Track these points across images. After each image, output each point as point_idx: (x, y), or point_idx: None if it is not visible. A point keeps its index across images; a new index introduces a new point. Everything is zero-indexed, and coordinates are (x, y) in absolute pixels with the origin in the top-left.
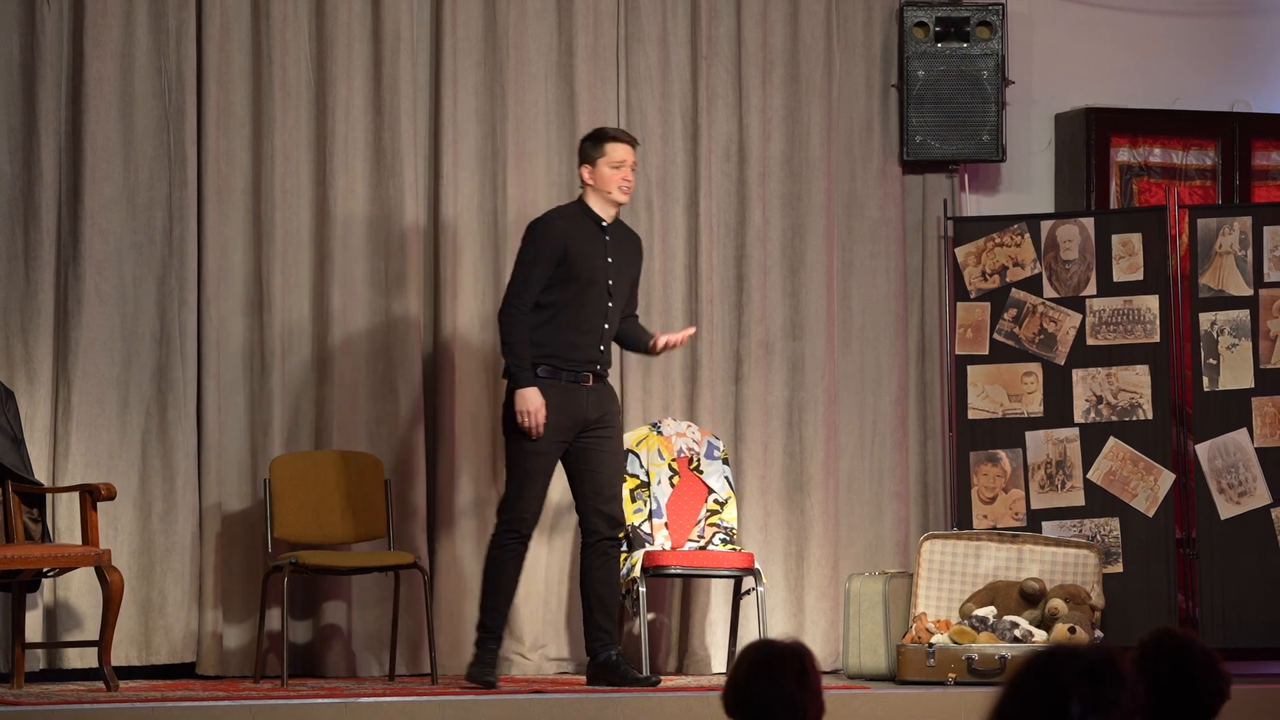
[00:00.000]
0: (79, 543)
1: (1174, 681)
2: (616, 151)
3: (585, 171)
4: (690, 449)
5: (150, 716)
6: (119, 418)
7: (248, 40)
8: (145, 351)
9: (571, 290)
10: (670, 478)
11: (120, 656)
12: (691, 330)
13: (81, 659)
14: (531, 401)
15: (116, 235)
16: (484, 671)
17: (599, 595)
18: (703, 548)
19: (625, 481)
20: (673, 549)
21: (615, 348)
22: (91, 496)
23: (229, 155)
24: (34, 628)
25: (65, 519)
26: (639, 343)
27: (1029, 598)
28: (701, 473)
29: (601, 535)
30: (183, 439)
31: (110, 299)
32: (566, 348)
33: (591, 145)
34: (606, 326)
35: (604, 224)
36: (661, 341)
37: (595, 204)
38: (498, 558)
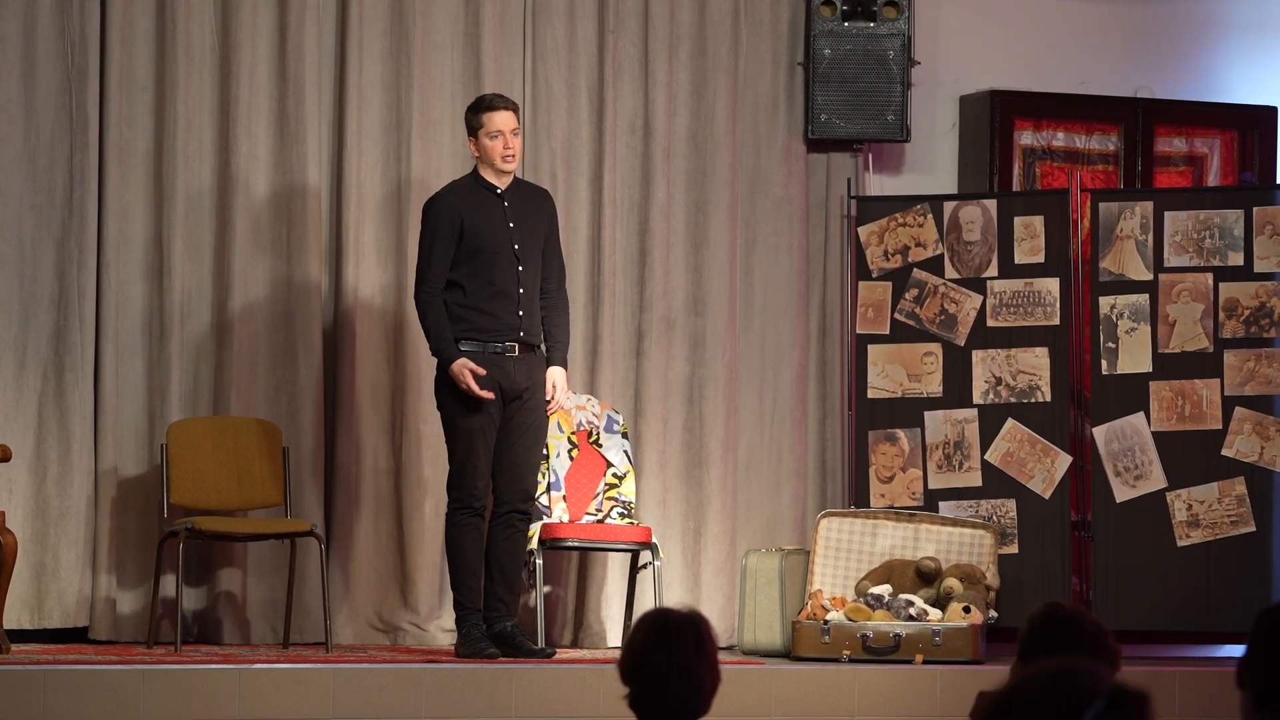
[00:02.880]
0: None
1: (1064, 654)
2: (494, 120)
3: (471, 144)
4: (590, 422)
5: (42, 679)
6: (15, 380)
7: (152, 3)
8: (43, 314)
9: (478, 262)
10: (569, 450)
11: (12, 619)
12: (555, 408)
13: None
14: (462, 375)
15: (16, 197)
16: (475, 648)
17: (501, 566)
18: (600, 521)
19: (544, 455)
20: (570, 522)
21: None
22: None
23: (131, 118)
24: None
25: None
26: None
27: (925, 576)
28: (600, 446)
29: (512, 507)
30: (79, 402)
31: (8, 261)
32: (485, 319)
33: (472, 115)
34: (522, 291)
35: (499, 190)
36: (548, 391)
37: (487, 173)
38: (456, 535)
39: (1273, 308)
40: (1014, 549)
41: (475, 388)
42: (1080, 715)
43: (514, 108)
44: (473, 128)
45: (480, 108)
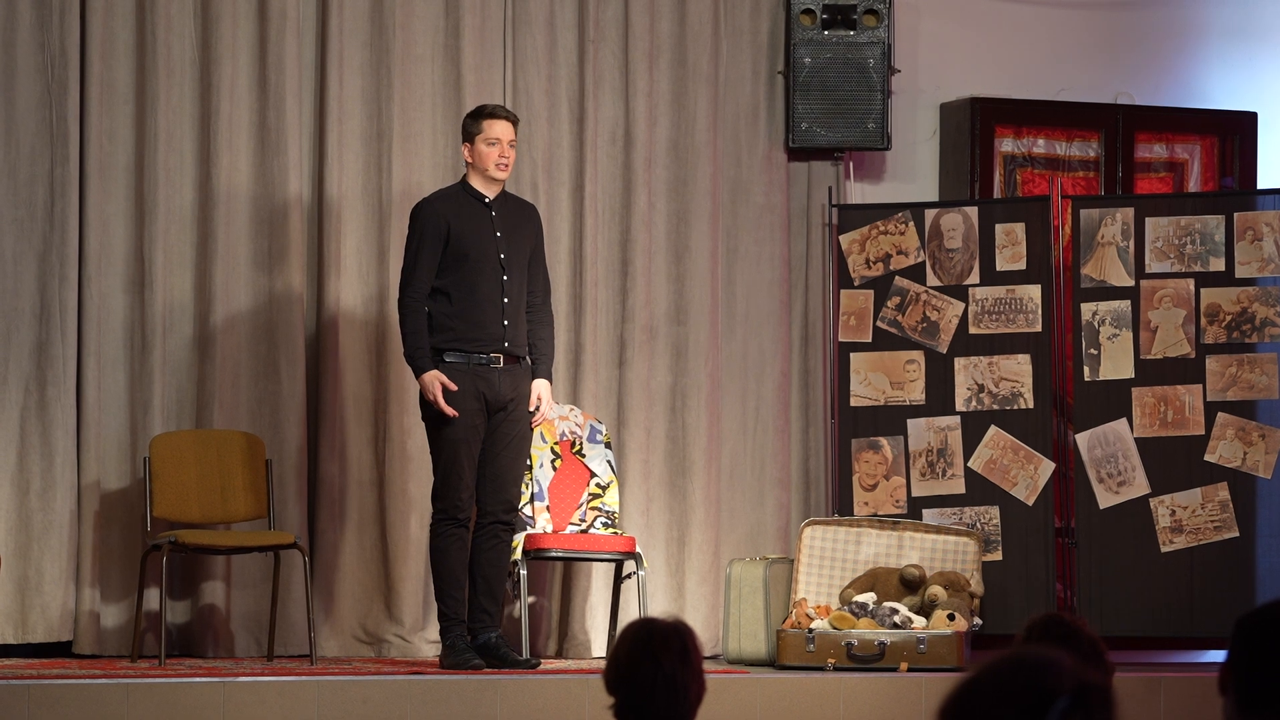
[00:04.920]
0: None
1: None
2: (493, 128)
3: (466, 149)
4: (573, 432)
5: (25, 694)
6: None
7: (132, 16)
8: (25, 328)
9: (464, 271)
10: (553, 461)
11: None
12: (540, 420)
13: None
14: (432, 387)
15: None
16: (459, 659)
17: (485, 576)
18: (584, 531)
19: (528, 466)
20: (554, 532)
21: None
22: None
23: (112, 132)
24: None
25: None
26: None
27: (909, 584)
28: (584, 456)
29: (495, 518)
30: (62, 416)
31: None
32: (470, 328)
33: (471, 121)
34: (507, 301)
35: (487, 200)
36: (533, 403)
37: (477, 182)
38: (440, 546)
39: (1254, 313)
40: (998, 556)
41: (444, 403)
42: (1045, 711)
43: (515, 120)
44: (470, 133)
45: (481, 114)
